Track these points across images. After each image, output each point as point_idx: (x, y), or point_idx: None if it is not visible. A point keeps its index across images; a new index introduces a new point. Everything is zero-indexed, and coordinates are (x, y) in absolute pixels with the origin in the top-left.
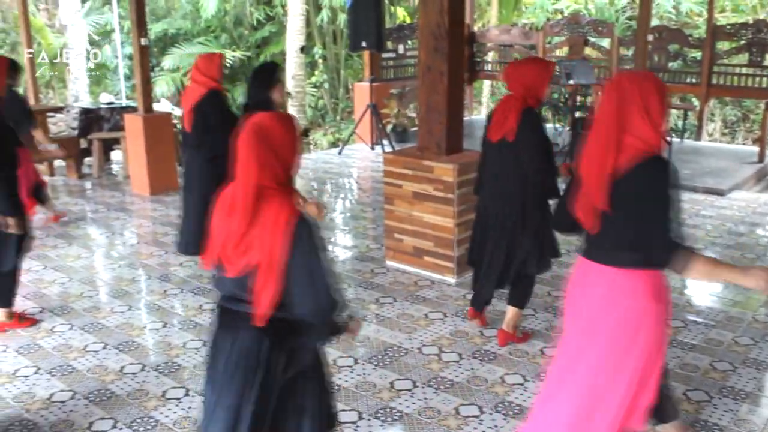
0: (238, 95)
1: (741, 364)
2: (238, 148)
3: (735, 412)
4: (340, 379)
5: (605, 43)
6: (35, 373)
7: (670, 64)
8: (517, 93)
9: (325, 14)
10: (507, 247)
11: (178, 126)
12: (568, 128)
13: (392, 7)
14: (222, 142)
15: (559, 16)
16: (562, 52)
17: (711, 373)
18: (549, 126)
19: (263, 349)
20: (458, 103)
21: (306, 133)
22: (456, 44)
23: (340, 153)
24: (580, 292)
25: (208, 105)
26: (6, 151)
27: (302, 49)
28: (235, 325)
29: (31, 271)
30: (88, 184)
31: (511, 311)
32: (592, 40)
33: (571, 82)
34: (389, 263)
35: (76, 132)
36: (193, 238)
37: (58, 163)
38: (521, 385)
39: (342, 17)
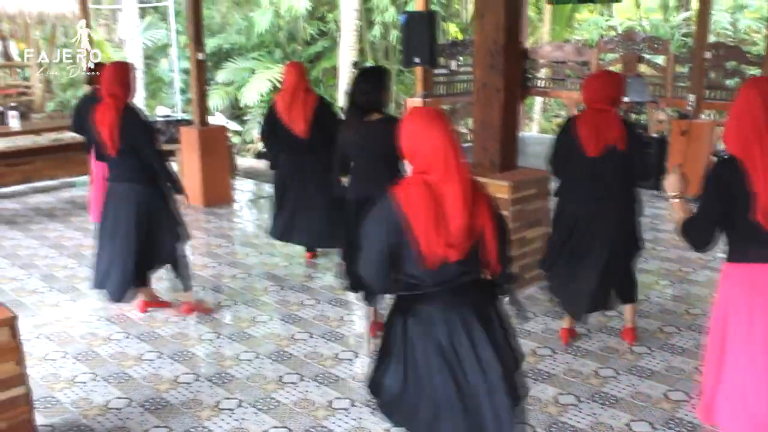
0: None
1: None
2: (441, 146)
3: None
4: None
5: (660, 60)
6: (93, 379)
7: (728, 82)
8: (605, 104)
9: (377, 30)
10: (611, 246)
11: (233, 140)
12: None
13: (445, 24)
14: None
15: (613, 33)
16: (615, 69)
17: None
18: None
19: (497, 304)
20: (513, 120)
21: None
22: (512, 61)
23: None
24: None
25: (326, 111)
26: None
27: (355, 65)
28: (466, 295)
29: (88, 279)
30: None
31: (629, 308)
32: (647, 57)
33: (626, 99)
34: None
35: None
36: (288, 227)
37: None
38: (574, 406)
39: (394, 33)
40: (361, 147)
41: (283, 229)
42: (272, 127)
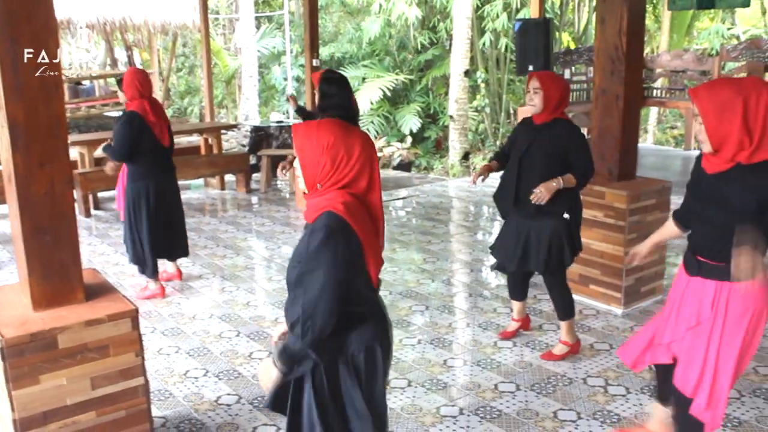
0: (399, 118)
1: None
2: (367, 155)
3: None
4: (501, 404)
5: None
6: (204, 375)
7: None
8: None
9: (487, 38)
10: None
11: None
12: None
13: (558, 33)
14: None
15: (735, 41)
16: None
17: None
18: None
19: None
20: (633, 129)
21: (466, 156)
22: (634, 67)
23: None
24: None
25: None
26: None
27: (466, 73)
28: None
29: (201, 278)
30: (255, 199)
31: None
32: None
33: None
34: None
35: (246, 148)
36: None
37: (229, 177)
38: None
39: (503, 41)
40: None
41: None
42: None
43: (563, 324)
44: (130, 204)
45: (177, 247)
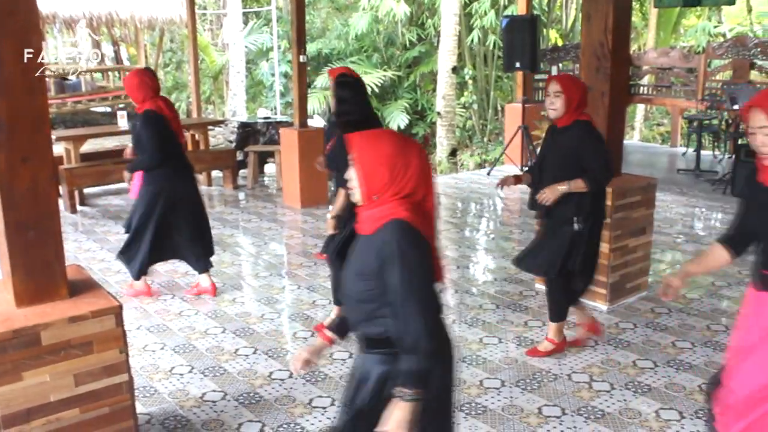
0: (387, 114)
1: None
2: (424, 162)
3: None
4: (486, 400)
5: None
6: (189, 371)
7: None
8: None
9: (475, 35)
10: None
11: None
12: (729, 156)
13: (545, 29)
14: None
15: (721, 39)
16: (724, 75)
17: None
18: (708, 154)
19: None
20: (619, 125)
21: (453, 153)
22: (619, 65)
23: (488, 174)
24: None
25: None
26: None
27: (453, 70)
28: None
29: (188, 274)
30: (242, 195)
31: None
32: (759, 63)
33: (736, 107)
34: (538, 286)
35: (233, 144)
36: None
37: (215, 173)
38: (677, 421)
39: (491, 38)
40: None
41: None
42: None
43: (552, 324)
44: (145, 204)
45: (203, 252)
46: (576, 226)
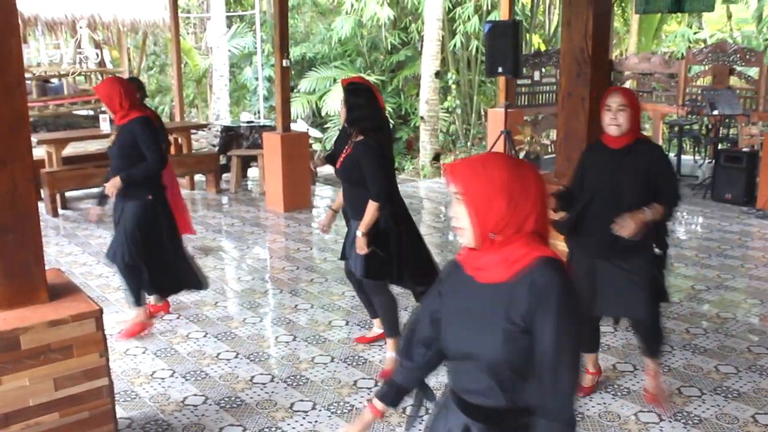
0: None
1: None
2: (545, 191)
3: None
4: None
5: (753, 72)
6: (171, 376)
7: None
8: None
9: (459, 40)
10: None
11: (314, 147)
12: (709, 161)
13: (528, 35)
14: None
15: (701, 45)
16: (704, 81)
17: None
18: (688, 158)
19: None
20: (599, 131)
21: (437, 157)
22: (598, 70)
23: None
24: None
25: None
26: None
27: (437, 74)
28: None
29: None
30: (225, 199)
31: None
32: (739, 69)
33: (716, 112)
34: None
35: (216, 148)
36: None
37: (198, 177)
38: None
39: (474, 43)
40: None
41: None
42: None
43: (652, 360)
44: (141, 227)
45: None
46: (657, 251)
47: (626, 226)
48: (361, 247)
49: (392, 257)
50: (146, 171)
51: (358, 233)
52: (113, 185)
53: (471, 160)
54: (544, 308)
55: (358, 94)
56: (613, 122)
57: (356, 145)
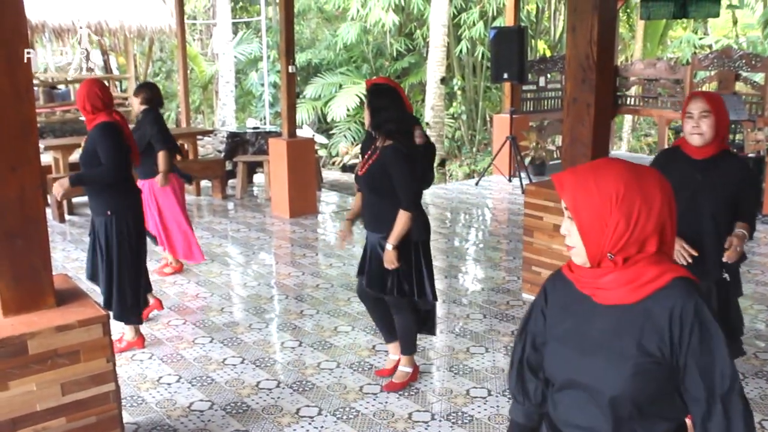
0: None
1: None
2: (669, 201)
3: None
4: (473, 410)
5: (758, 77)
6: (177, 381)
7: None
8: None
9: (464, 46)
10: None
11: (320, 153)
12: None
13: (533, 41)
14: None
15: (706, 51)
16: (710, 87)
17: None
18: None
19: None
20: (604, 137)
21: (442, 163)
22: (604, 76)
23: (477, 184)
24: None
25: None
26: None
27: (442, 80)
28: None
29: (176, 284)
30: (230, 205)
31: None
32: (744, 74)
33: None
34: (525, 296)
35: (222, 154)
36: None
37: (204, 183)
38: None
39: (480, 49)
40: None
41: None
42: None
43: None
44: (114, 239)
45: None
46: (726, 276)
47: (738, 252)
48: (392, 261)
49: (416, 271)
50: (98, 177)
51: (388, 246)
52: (60, 185)
53: (581, 170)
54: (700, 337)
55: (382, 96)
56: (696, 131)
57: (383, 150)
